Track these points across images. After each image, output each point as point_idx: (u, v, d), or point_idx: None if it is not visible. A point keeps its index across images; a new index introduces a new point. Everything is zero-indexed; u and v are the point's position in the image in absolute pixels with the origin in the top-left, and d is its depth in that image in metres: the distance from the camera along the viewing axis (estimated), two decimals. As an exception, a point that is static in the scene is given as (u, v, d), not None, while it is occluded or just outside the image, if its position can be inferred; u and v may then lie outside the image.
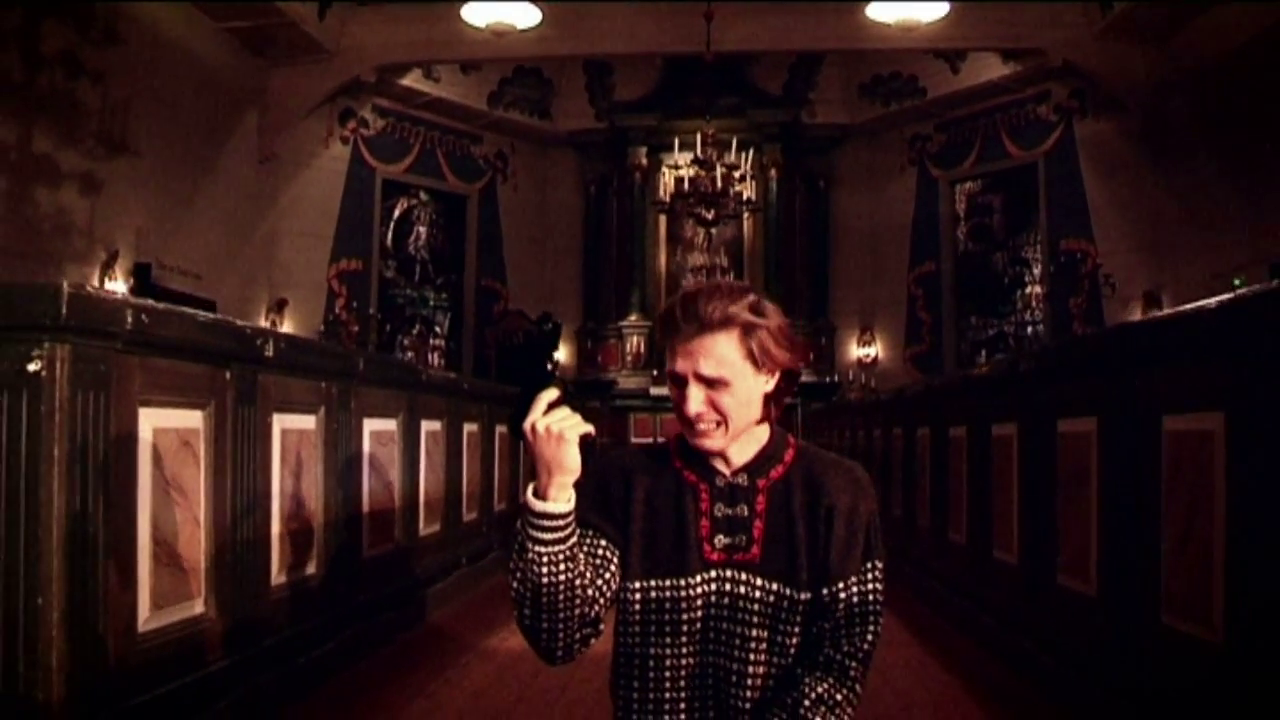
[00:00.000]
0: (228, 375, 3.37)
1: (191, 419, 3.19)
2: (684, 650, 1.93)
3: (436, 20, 14.76)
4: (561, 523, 1.79)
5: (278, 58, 14.78)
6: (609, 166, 18.34)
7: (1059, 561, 3.93)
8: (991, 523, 4.83)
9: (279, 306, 15.47)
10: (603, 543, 1.93)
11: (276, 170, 15.45)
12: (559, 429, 1.76)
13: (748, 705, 1.89)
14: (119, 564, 2.81)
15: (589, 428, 1.79)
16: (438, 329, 18.10)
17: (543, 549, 1.79)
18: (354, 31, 14.88)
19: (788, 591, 1.90)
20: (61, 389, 2.59)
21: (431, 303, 18.04)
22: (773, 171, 17.65)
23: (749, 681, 1.90)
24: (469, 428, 6.29)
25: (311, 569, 4.01)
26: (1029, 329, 16.82)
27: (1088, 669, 3.58)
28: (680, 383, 1.91)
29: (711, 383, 1.88)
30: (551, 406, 1.77)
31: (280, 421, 3.74)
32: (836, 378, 17.53)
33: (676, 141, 16.06)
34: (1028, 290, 16.87)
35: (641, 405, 17.04)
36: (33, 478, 2.56)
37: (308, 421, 4.00)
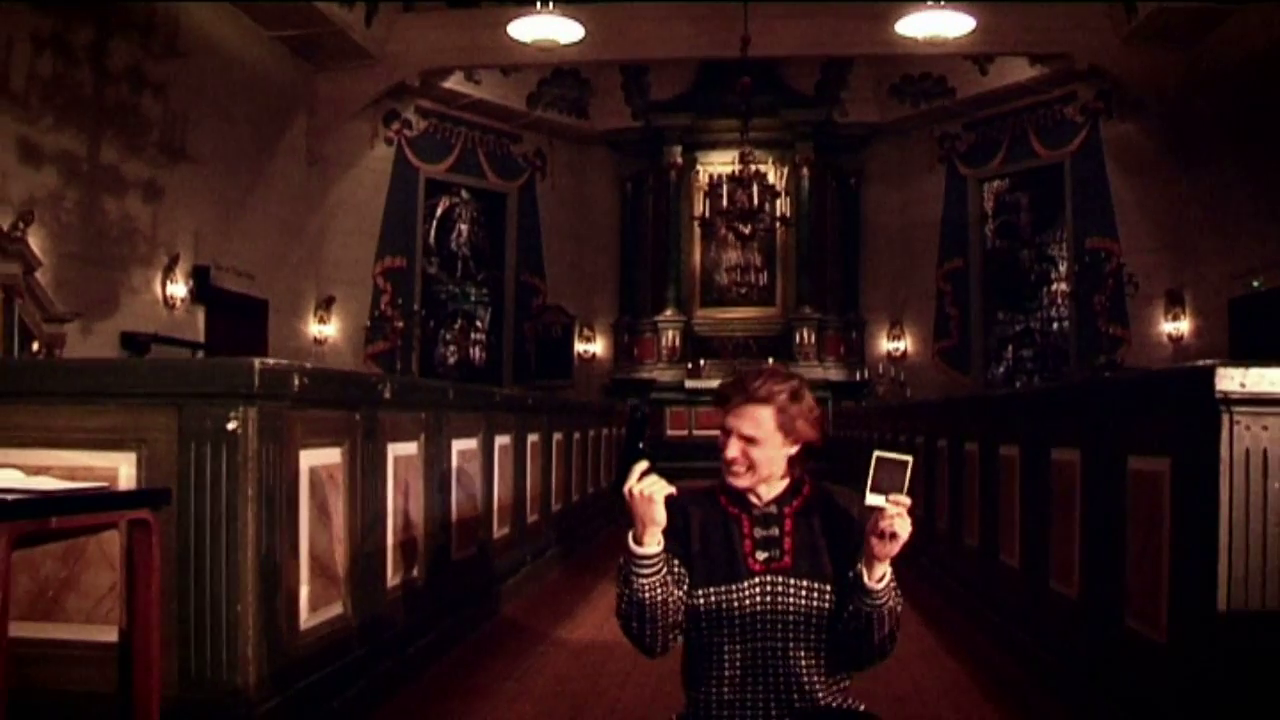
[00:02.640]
0: (357, 417, 4.17)
1: (333, 455, 3.98)
2: (739, 638, 2.63)
3: (479, 25, 15.55)
4: (656, 561, 2.55)
5: (325, 63, 15.61)
6: (645, 164, 19.11)
7: (1051, 568, 4.68)
8: (999, 530, 5.58)
9: (327, 304, 16.29)
10: (676, 562, 2.68)
11: (324, 172, 16.29)
12: (649, 492, 2.51)
13: (791, 678, 2.61)
14: (290, 577, 3.62)
15: (671, 489, 2.56)
16: (479, 323, 18.93)
17: (644, 580, 2.55)
18: (399, 37, 15.65)
19: (816, 586, 2.62)
20: (252, 442, 3.38)
21: (473, 298, 18.88)
22: (805, 169, 18.38)
23: (790, 660, 2.61)
24: (531, 438, 7.08)
25: (415, 572, 4.81)
26: (1054, 325, 17.48)
27: (1073, 663, 4.33)
28: (727, 433, 2.66)
29: (748, 439, 2.62)
30: (643, 475, 2.54)
31: (393, 450, 4.54)
32: (866, 373, 18.17)
33: (712, 140, 16.87)
34: (1053, 287, 17.54)
35: (677, 399, 17.80)
36: (232, 512, 3.36)
37: (411, 448, 4.79)
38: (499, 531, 6.31)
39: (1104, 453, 4.10)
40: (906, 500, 2.42)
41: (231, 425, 3.35)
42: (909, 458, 2.47)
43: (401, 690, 4.37)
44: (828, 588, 2.62)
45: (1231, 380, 3.12)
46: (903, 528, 2.41)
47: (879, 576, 2.51)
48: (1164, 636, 3.52)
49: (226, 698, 3.35)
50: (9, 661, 2.93)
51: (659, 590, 2.55)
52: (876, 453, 2.47)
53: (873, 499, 2.43)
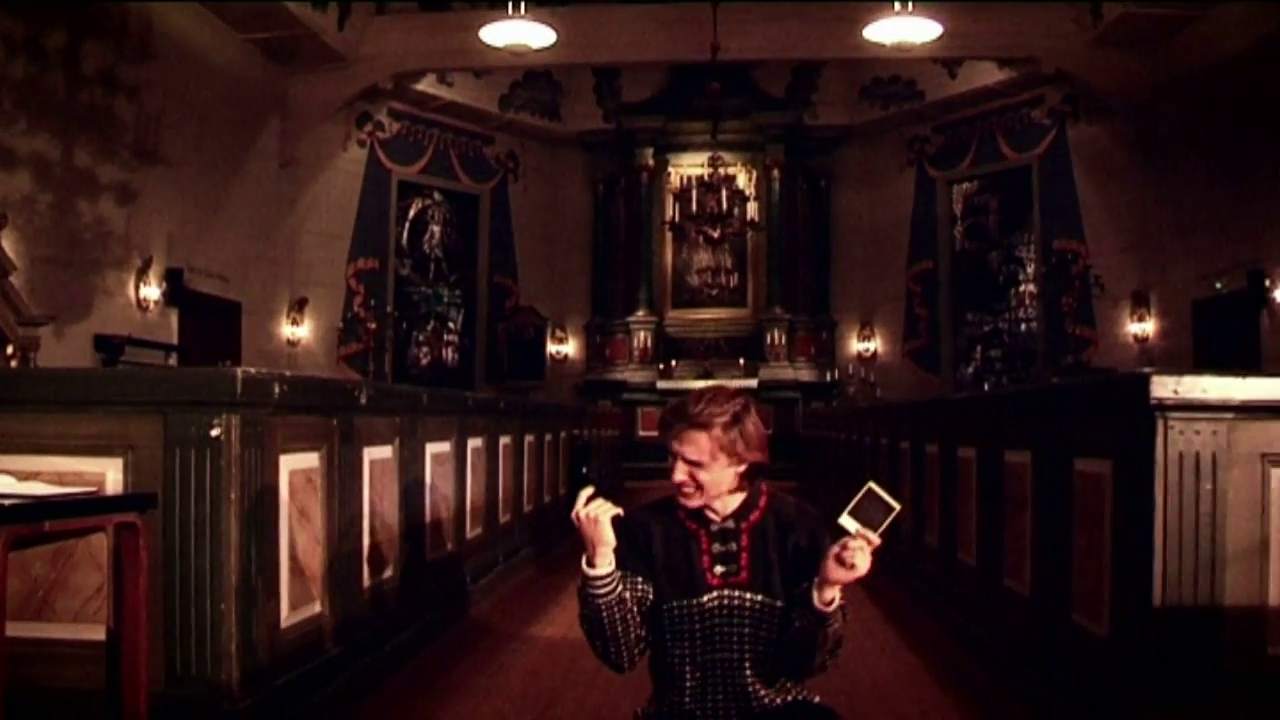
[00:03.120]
0: (334, 422, 4.32)
1: (312, 460, 4.13)
2: (699, 649, 2.77)
3: (451, 29, 15.73)
4: (609, 580, 2.69)
5: (298, 66, 15.74)
6: (616, 166, 19.31)
7: (1005, 566, 4.88)
8: (957, 529, 5.78)
9: (300, 305, 16.40)
10: (639, 579, 2.82)
11: (297, 174, 16.42)
12: (595, 514, 2.65)
13: (748, 687, 2.76)
14: (269, 577, 3.78)
15: (617, 510, 2.71)
16: (451, 325, 19.09)
17: (600, 600, 2.69)
18: (371, 40, 15.80)
19: (768, 601, 2.75)
20: (234, 447, 3.54)
21: (445, 299, 19.03)
22: (775, 171, 18.59)
23: (748, 670, 2.76)
24: (503, 440, 7.25)
25: (391, 573, 4.97)
26: (1022, 326, 17.76)
27: (1025, 656, 4.53)
28: (674, 457, 2.76)
29: (693, 463, 2.72)
30: (589, 500, 2.70)
31: (369, 454, 4.69)
32: (837, 373, 18.40)
33: (683, 142, 17.07)
34: (1021, 288, 17.83)
35: (649, 400, 17.94)
36: (216, 515, 3.51)
37: (387, 452, 4.94)
38: (472, 532, 6.47)
39: (1052, 455, 4.30)
40: (876, 540, 2.48)
41: (215, 431, 3.51)
42: (898, 506, 2.52)
43: (378, 687, 4.53)
44: (779, 603, 2.74)
45: (1165, 387, 3.32)
46: (862, 561, 2.46)
47: (828, 600, 2.57)
48: (1106, 631, 3.72)
49: (210, 693, 3.50)
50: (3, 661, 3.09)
51: (616, 608, 2.69)
52: (870, 484, 2.54)
53: (847, 521, 2.48)
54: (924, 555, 6.67)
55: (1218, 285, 13.77)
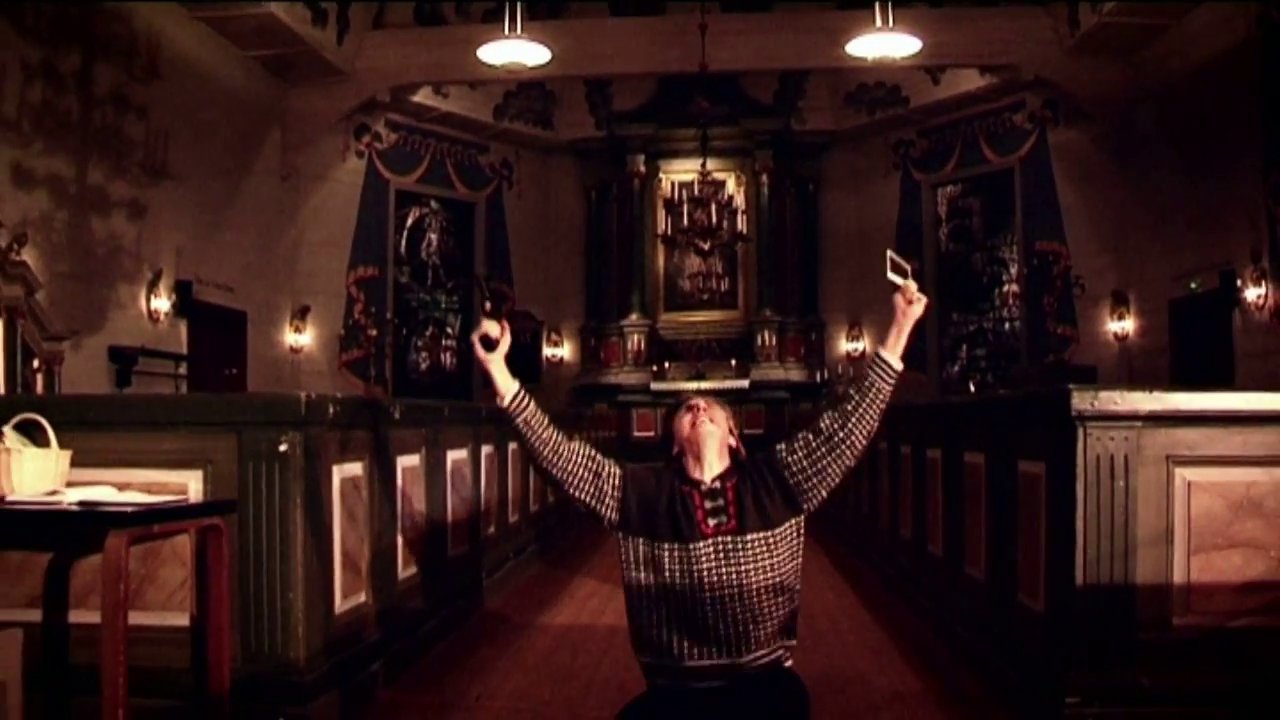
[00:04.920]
0: (374, 435, 5.02)
1: (357, 469, 4.83)
2: (702, 592, 3.34)
3: (447, 43, 16.36)
4: (519, 399, 3.49)
5: (298, 81, 16.35)
6: (609, 173, 19.91)
7: (965, 555, 5.59)
8: (926, 523, 6.50)
9: (302, 313, 17.04)
10: (615, 476, 3.51)
11: (298, 185, 17.06)
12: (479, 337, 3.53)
13: (739, 629, 3.33)
14: (326, 571, 4.47)
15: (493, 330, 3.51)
16: (449, 330, 19.73)
17: (518, 419, 3.50)
18: (369, 54, 16.43)
19: (763, 535, 3.38)
20: (298, 460, 4.23)
21: (443, 305, 19.68)
22: (764, 176, 19.26)
23: (739, 611, 3.32)
24: (511, 446, 7.94)
25: (420, 567, 5.66)
26: (1006, 325, 18.44)
27: (981, 634, 5.23)
28: (691, 408, 3.52)
29: (707, 406, 3.52)
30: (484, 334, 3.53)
31: (401, 462, 5.40)
32: (826, 373, 19.02)
33: (674, 149, 17.75)
34: (1004, 289, 18.50)
35: (643, 401, 18.66)
36: (283, 518, 4.20)
37: (415, 460, 5.64)
38: (486, 531, 7.18)
39: (1002, 456, 5.01)
40: (913, 284, 3.57)
41: (283, 447, 4.20)
42: (913, 263, 3.73)
43: (413, 666, 5.24)
44: (772, 532, 3.39)
45: (1084, 400, 4.03)
46: (920, 298, 3.56)
47: (901, 354, 3.53)
48: (1043, 608, 4.43)
49: (281, 669, 4.20)
50: (102, 643, 3.77)
51: (533, 420, 3.52)
52: (889, 252, 3.69)
53: (894, 277, 3.59)
54: (899, 547, 7.39)
55: (1192, 285, 14.39)
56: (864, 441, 3.44)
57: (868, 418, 3.42)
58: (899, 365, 3.49)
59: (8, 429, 3.93)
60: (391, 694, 4.87)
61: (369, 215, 18.17)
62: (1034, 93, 17.24)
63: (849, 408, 3.44)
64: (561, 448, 3.50)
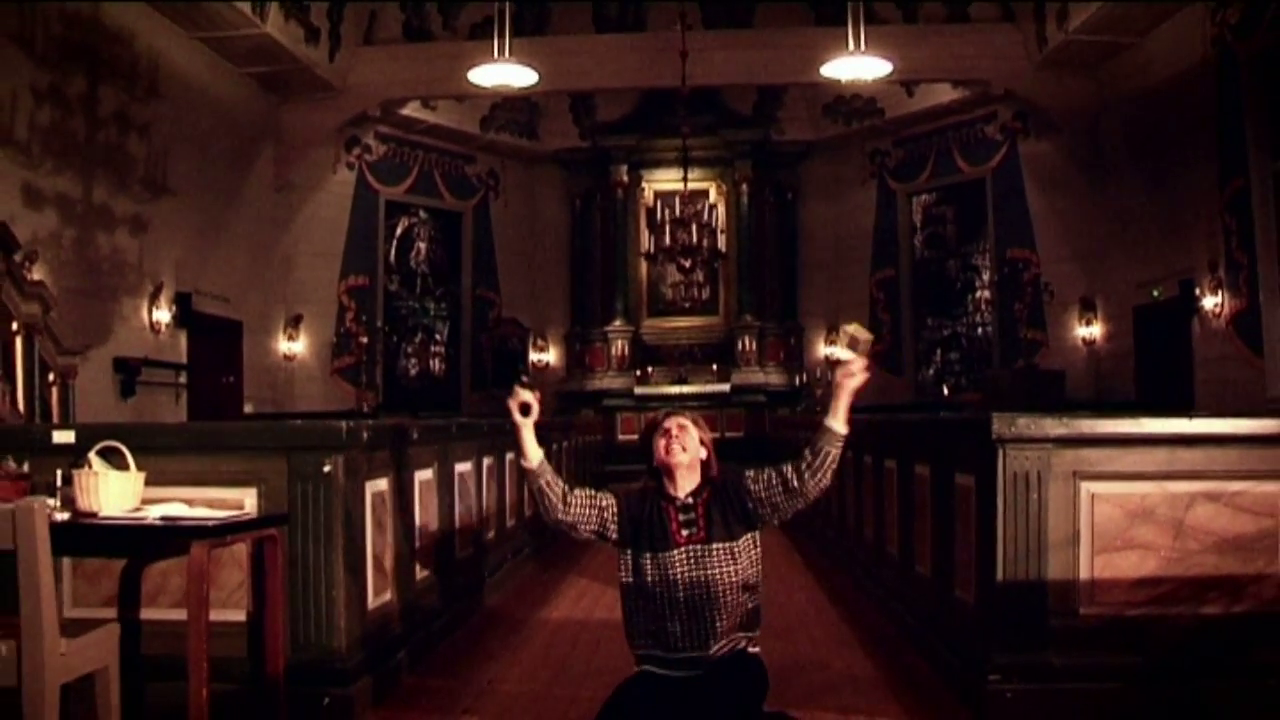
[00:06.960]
0: (397, 454, 5.86)
1: (384, 484, 5.67)
2: (671, 593, 4.11)
3: (435, 58, 17.18)
4: (540, 470, 4.23)
5: (291, 96, 17.14)
6: (593, 182, 20.76)
7: (915, 555, 6.46)
8: (885, 527, 7.37)
9: (295, 322, 17.83)
10: (612, 506, 4.21)
11: (291, 197, 17.86)
12: (515, 404, 4.22)
13: (710, 624, 4.09)
14: (361, 573, 5.31)
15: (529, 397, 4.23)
16: (438, 337, 20.56)
17: (538, 484, 4.24)
18: (359, 70, 17.25)
19: (727, 545, 4.12)
20: (340, 479, 5.06)
21: (432, 313, 20.49)
22: (744, 185, 20.14)
23: (709, 609, 4.08)
24: (508, 456, 8.77)
25: (433, 568, 6.51)
26: (979, 330, 19.31)
27: (928, 623, 6.10)
28: (665, 433, 4.19)
29: (680, 427, 4.18)
30: (522, 404, 4.22)
31: (418, 477, 6.24)
32: (805, 377, 19.87)
33: (656, 159, 18.56)
34: (977, 294, 19.38)
35: (627, 405, 19.49)
36: (327, 528, 5.03)
37: (429, 474, 6.48)
38: (487, 535, 8.03)
39: (943, 469, 5.88)
40: (863, 361, 4.09)
41: (327, 468, 5.03)
42: (871, 336, 4.20)
43: (430, 655, 6.10)
44: (735, 543, 4.12)
45: (1003, 424, 4.88)
46: (861, 373, 4.10)
47: (844, 421, 4.11)
48: (973, 599, 5.30)
49: (326, 657, 5.03)
50: (171, 638, 4.60)
51: (549, 486, 4.23)
52: (846, 327, 4.23)
53: (841, 353, 4.14)
54: (862, 548, 8.26)
55: (1154, 293, 15.21)
56: (816, 494, 4.18)
57: (819, 477, 4.14)
58: (844, 430, 4.12)
59: (93, 455, 4.73)
60: (414, 679, 5.70)
61: (359, 225, 18.93)
62: (1005, 105, 18.12)
63: (803, 466, 4.13)
64: (569, 498, 4.22)
